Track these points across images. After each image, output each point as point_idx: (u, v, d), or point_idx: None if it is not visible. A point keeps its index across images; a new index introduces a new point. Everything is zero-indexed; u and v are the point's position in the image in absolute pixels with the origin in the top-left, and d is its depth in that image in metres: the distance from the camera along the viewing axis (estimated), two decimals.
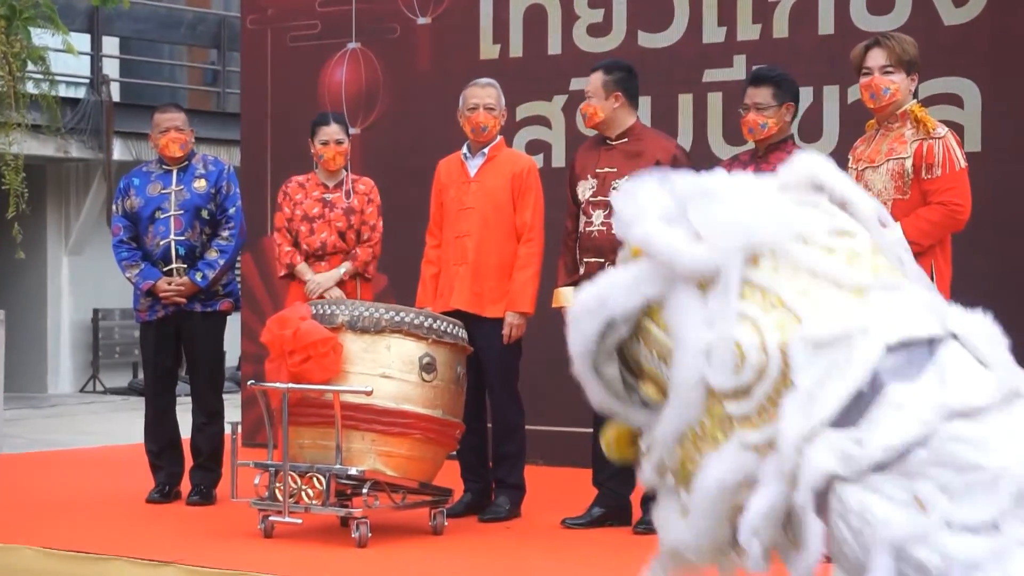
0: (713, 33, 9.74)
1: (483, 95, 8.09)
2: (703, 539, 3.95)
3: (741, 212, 3.94)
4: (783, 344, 3.73)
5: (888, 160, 6.74)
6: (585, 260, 7.72)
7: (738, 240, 3.89)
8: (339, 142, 8.39)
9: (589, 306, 4.11)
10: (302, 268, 8.30)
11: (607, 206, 7.62)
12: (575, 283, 7.76)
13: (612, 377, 4.16)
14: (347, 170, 8.55)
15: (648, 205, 4.06)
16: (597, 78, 7.74)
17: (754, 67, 8.91)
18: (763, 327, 3.77)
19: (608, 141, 7.72)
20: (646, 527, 7.54)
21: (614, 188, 7.56)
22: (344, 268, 8.27)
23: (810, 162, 4.24)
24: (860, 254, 3.97)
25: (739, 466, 3.79)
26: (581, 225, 7.77)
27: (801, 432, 3.60)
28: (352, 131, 9.69)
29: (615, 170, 7.55)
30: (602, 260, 7.61)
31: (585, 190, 7.73)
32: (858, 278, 3.88)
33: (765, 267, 3.88)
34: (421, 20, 10.58)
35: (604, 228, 7.59)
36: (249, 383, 8.20)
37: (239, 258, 9.02)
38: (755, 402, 3.81)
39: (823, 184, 4.13)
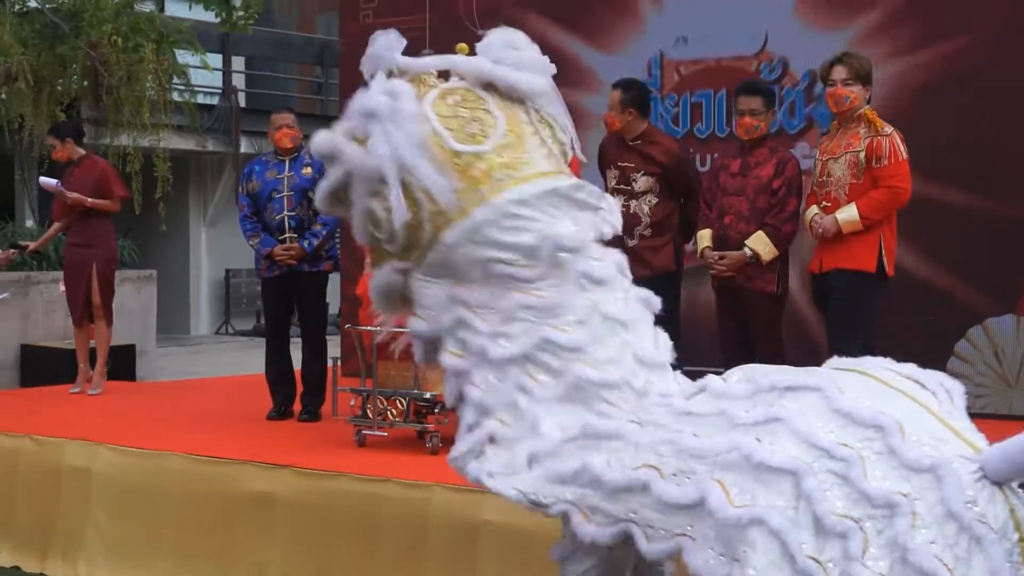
0: None
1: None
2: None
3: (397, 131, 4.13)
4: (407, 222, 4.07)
5: (846, 152, 6.74)
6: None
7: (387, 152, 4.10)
8: None
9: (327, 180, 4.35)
10: None
11: (627, 194, 7.64)
12: None
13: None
14: None
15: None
16: (616, 95, 7.72)
17: (744, 80, 8.93)
18: (395, 208, 4.06)
19: (627, 141, 7.71)
20: None
21: (633, 180, 7.59)
22: None
23: (478, 62, 4.47)
24: (484, 157, 4.15)
25: (389, 278, 4.27)
26: None
27: None
28: None
29: (633, 165, 7.55)
30: (621, 234, 7.60)
31: (610, 179, 7.72)
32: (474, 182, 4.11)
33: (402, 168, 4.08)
34: (481, 32, 10.57)
35: (624, 210, 7.56)
36: (347, 327, 8.23)
37: (337, 229, 9.04)
38: (396, 247, 4.19)
39: (492, 77, 4.40)
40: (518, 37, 4.59)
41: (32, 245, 11.75)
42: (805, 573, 3.35)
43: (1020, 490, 3.47)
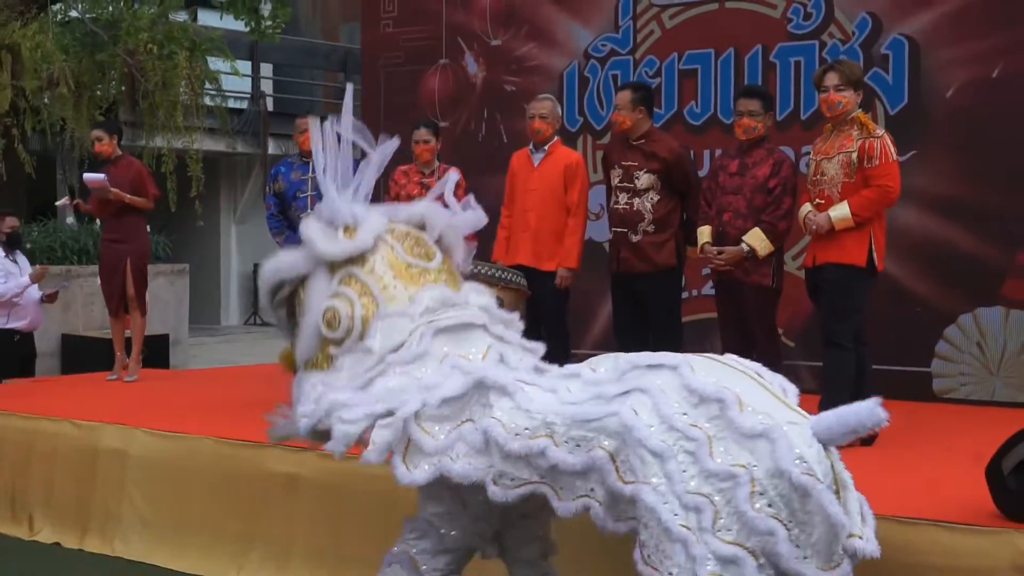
0: None
1: (539, 107, 8.09)
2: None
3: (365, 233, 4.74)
4: (364, 317, 4.60)
5: (839, 153, 6.72)
6: (613, 229, 7.72)
7: (349, 248, 4.71)
8: (427, 141, 8.43)
9: (269, 270, 4.95)
10: None
11: (630, 191, 7.64)
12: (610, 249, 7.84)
13: (281, 316, 5.01)
14: (439, 159, 8.57)
15: (315, 218, 4.89)
16: (626, 95, 7.70)
17: (746, 83, 8.86)
18: (355, 304, 4.62)
19: (630, 141, 7.70)
20: None
21: (636, 177, 7.58)
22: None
23: (425, 208, 5.04)
24: (430, 271, 4.81)
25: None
26: (610, 204, 7.78)
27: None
28: (442, 124, 9.71)
29: (636, 163, 7.53)
30: (624, 230, 7.62)
31: (614, 178, 7.72)
32: (421, 283, 4.73)
33: (366, 267, 4.70)
34: (494, 42, 10.56)
35: (627, 207, 7.60)
36: None
37: None
38: (342, 350, 4.64)
39: (431, 224, 4.98)
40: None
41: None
42: (681, 540, 3.70)
43: (836, 450, 3.91)
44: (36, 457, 7.92)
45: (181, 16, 19.75)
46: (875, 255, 6.69)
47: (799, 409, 3.98)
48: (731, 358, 4.25)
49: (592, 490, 4.03)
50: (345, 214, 4.84)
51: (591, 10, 9.90)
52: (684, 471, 3.78)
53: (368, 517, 6.43)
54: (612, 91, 9.40)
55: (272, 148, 23.34)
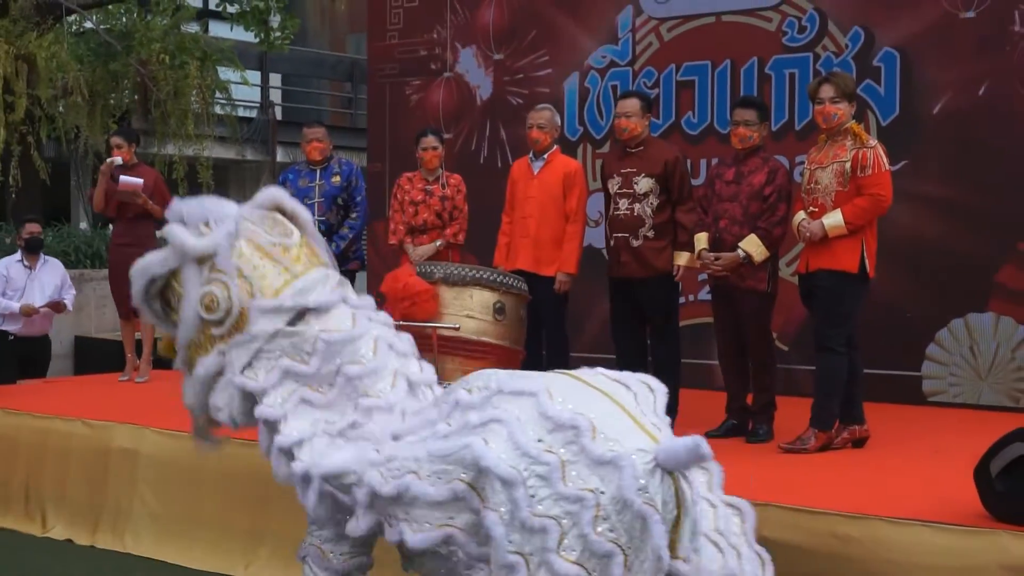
0: None
1: (537, 117, 8.08)
2: (196, 403, 5.13)
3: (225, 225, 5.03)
4: (242, 298, 4.86)
5: (833, 163, 6.72)
6: (613, 235, 7.71)
7: (214, 240, 4.97)
8: (434, 148, 8.45)
9: (139, 269, 5.20)
10: (408, 247, 8.37)
11: (630, 197, 7.63)
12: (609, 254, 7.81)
13: (156, 308, 5.23)
14: (442, 168, 8.57)
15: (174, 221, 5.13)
16: (635, 103, 7.63)
17: (742, 95, 8.84)
18: (231, 286, 4.89)
19: (628, 149, 7.69)
20: None
21: (635, 183, 7.57)
22: (437, 243, 8.34)
23: (273, 192, 5.23)
24: (291, 248, 5.05)
25: (215, 363, 4.94)
26: (610, 211, 7.76)
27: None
28: (446, 136, 9.72)
29: (634, 169, 7.52)
30: (626, 235, 7.60)
31: (612, 186, 7.69)
32: (288, 264, 5.00)
33: (234, 253, 4.94)
34: (496, 56, 10.55)
35: (628, 212, 7.58)
36: None
37: (364, 231, 9.06)
38: (224, 328, 4.90)
39: (282, 204, 5.17)
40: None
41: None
42: (508, 565, 3.91)
43: (687, 473, 4.06)
44: (49, 456, 7.92)
45: (193, 28, 19.81)
46: (867, 262, 6.68)
47: (654, 429, 4.10)
48: (600, 376, 4.41)
49: (452, 519, 4.20)
50: (197, 212, 5.15)
51: (591, 23, 9.90)
52: (533, 496, 3.93)
53: None
54: (612, 101, 9.39)
55: (280, 156, 23.35)
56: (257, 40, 19.23)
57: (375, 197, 10.42)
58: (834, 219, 6.66)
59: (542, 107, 8.29)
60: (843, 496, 5.42)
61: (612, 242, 7.71)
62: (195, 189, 17.82)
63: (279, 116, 24.80)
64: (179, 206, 5.20)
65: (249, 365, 4.90)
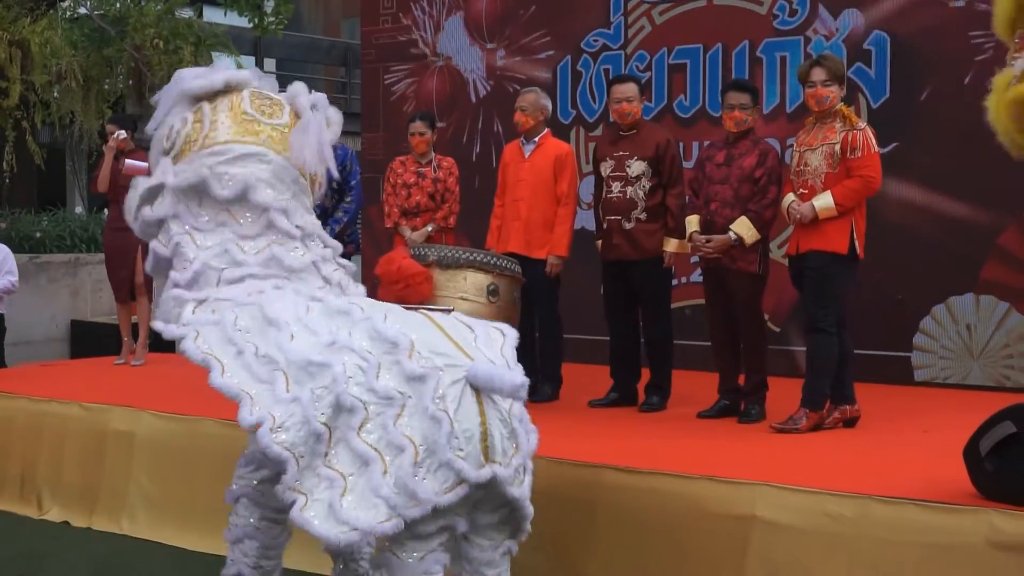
0: None
1: (521, 100, 8.07)
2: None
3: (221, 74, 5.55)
4: (187, 136, 5.40)
5: (823, 144, 6.72)
6: (606, 218, 7.70)
7: (205, 84, 5.51)
8: (422, 133, 8.44)
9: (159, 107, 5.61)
10: (402, 229, 8.35)
11: (623, 180, 7.62)
12: (602, 237, 7.79)
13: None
14: (434, 151, 8.55)
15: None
16: (634, 87, 7.63)
17: (734, 78, 8.84)
18: (186, 124, 5.44)
19: (621, 132, 7.68)
20: (648, 407, 7.59)
21: (628, 166, 7.56)
22: (429, 227, 8.33)
23: (297, 87, 5.80)
24: (261, 125, 5.50)
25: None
26: (603, 193, 7.75)
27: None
28: (440, 124, 9.70)
29: (627, 152, 7.51)
30: (618, 218, 7.60)
31: (605, 169, 7.69)
32: (249, 131, 5.46)
33: (212, 105, 5.48)
34: (489, 45, 10.53)
35: (621, 195, 7.57)
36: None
37: (359, 216, 9.04)
38: (169, 157, 5.43)
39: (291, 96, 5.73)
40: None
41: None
42: (316, 432, 4.55)
43: (497, 398, 4.60)
44: (46, 439, 7.92)
45: (187, 13, 19.76)
46: (856, 243, 6.69)
47: (490, 359, 4.71)
48: (450, 318, 5.08)
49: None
50: (221, 68, 5.72)
51: (584, 7, 9.88)
52: (349, 379, 4.61)
53: None
54: (604, 85, 9.38)
55: None
56: (251, 25, 19.20)
57: (369, 181, 10.41)
58: (824, 201, 6.66)
59: (528, 90, 8.27)
60: (834, 475, 5.42)
61: (605, 225, 7.70)
62: None
63: None
64: (209, 70, 5.68)
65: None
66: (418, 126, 8.47)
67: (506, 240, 7.99)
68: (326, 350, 4.77)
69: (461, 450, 4.48)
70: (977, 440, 5.19)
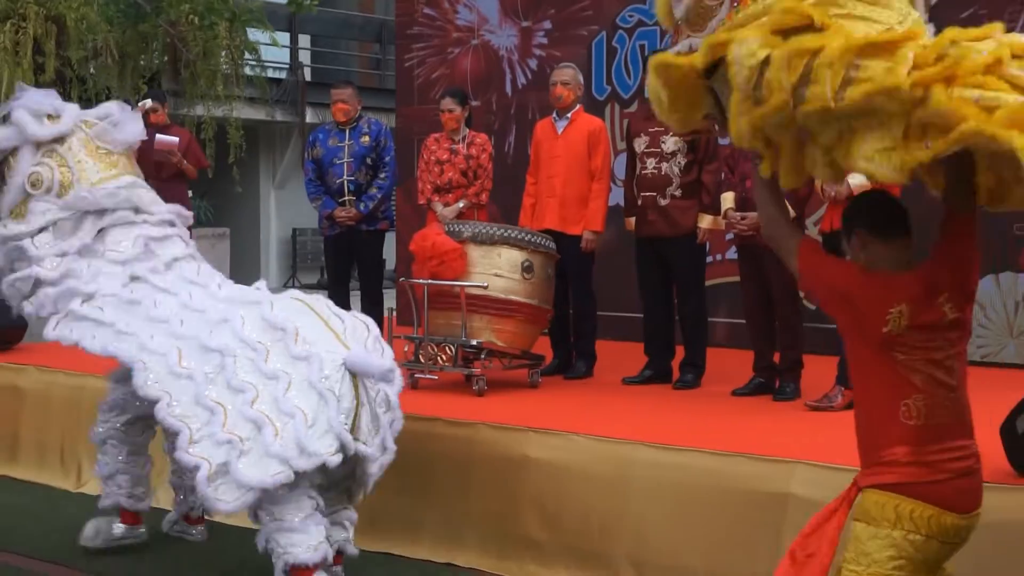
0: None
1: (561, 75, 8.06)
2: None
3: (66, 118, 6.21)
4: (62, 181, 6.09)
5: None
6: (641, 195, 7.68)
7: (54, 130, 6.14)
8: (451, 110, 8.35)
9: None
10: (436, 205, 8.33)
11: (657, 156, 7.60)
12: (635, 214, 7.77)
13: None
14: (468, 126, 8.52)
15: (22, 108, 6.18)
16: None
17: None
18: (55, 171, 6.09)
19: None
20: (682, 384, 7.57)
21: (663, 142, 7.54)
22: (460, 204, 8.28)
23: (110, 106, 6.59)
24: (115, 155, 6.34)
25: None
26: (637, 170, 7.73)
27: None
28: (474, 102, 9.69)
29: (662, 129, 7.48)
30: (653, 194, 7.58)
31: (639, 146, 7.67)
32: (107, 162, 6.28)
33: (64, 146, 6.15)
34: (524, 23, 10.51)
35: (656, 171, 7.56)
36: (401, 280, 8.24)
37: (393, 192, 9.05)
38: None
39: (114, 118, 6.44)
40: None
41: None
42: (208, 407, 5.26)
43: (369, 383, 5.39)
44: (83, 412, 7.95)
45: None
46: None
47: (352, 343, 5.47)
48: (321, 304, 5.75)
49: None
50: (47, 105, 6.23)
51: None
52: (238, 366, 5.33)
53: (403, 472, 6.45)
54: (640, 61, 9.34)
55: (310, 117, 23.30)
56: (286, 1, 19.19)
57: (405, 157, 10.41)
58: (860, 179, 6.60)
59: (565, 65, 8.28)
60: None
61: (640, 201, 7.69)
62: (224, 149, 17.86)
63: (308, 77, 24.73)
64: (35, 98, 6.30)
65: (43, 230, 6.10)
66: (448, 103, 8.42)
67: (541, 217, 7.99)
68: (217, 329, 5.54)
69: (345, 423, 5.21)
70: (1014, 418, 5.19)
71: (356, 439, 5.24)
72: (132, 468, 6.38)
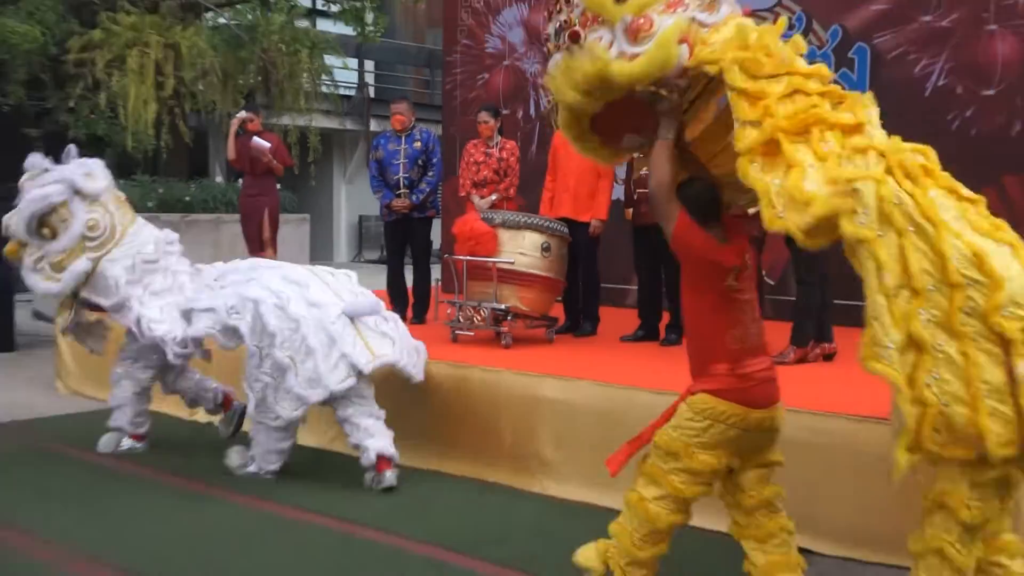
0: None
1: None
2: (65, 289, 6.38)
3: (102, 180, 6.50)
4: (111, 224, 6.36)
5: None
6: (638, 191, 7.68)
7: (101, 186, 6.40)
8: (486, 121, 8.35)
9: (39, 196, 6.20)
10: (473, 197, 8.36)
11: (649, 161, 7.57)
12: (632, 207, 7.78)
13: (33, 227, 6.27)
14: (500, 134, 8.52)
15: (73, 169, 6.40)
16: None
17: None
18: (106, 215, 6.34)
19: None
20: (668, 342, 7.59)
21: None
22: (493, 196, 8.27)
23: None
24: (127, 206, 6.69)
25: (86, 265, 6.30)
26: (634, 172, 7.73)
27: None
28: (504, 111, 9.68)
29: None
30: (646, 190, 7.55)
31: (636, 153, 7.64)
32: (128, 212, 6.66)
33: (103, 198, 6.38)
34: (545, 47, 10.46)
35: (648, 173, 7.51)
36: (445, 256, 8.27)
37: (439, 186, 9.06)
38: (97, 243, 6.29)
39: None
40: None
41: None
42: (251, 353, 5.85)
43: (368, 319, 5.95)
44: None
45: (304, 23, 19.74)
46: None
47: (348, 295, 6.04)
48: (319, 268, 6.30)
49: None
50: (86, 165, 6.40)
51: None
52: (270, 313, 5.76)
53: (443, 408, 6.46)
54: None
55: (373, 126, 23.36)
56: (355, 33, 19.16)
57: (449, 158, 10.43)
58: None
59: None
60: (816, 399, 5.41)
61: (636, 196, 7.70)
62: (305, 152, 17.90)
63: (372, 95, 24.77)
64: (83, 163, 6.42)
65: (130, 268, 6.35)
66: (483, 116, 8.43)
67: (558, 207, 8.00)
68: (247, 287, 6.00)
69: (351, 353, 5.72)
70: None
71: (376, 357, 5.81)
72: (136, 403, 6.69)
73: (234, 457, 6.18)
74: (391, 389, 6.27)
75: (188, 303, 6.23)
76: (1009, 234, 3.54)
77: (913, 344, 3.39)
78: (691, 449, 4.00)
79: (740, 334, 4.02)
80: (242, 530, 5.28)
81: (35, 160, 6.37)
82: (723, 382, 3.99)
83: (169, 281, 6.44)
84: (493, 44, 10.97)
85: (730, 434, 3.99)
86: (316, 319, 5.74)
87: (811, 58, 8.45)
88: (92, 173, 6.36)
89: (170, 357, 6.23)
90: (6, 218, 6.31)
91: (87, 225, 6.21)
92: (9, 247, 6.41)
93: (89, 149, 17.24)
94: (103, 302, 6.35)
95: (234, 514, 5.55)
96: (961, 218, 3.51)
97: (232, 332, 5.95)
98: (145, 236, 6.50)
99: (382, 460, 5.81)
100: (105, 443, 6.73)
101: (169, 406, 7.69)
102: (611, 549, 4.19)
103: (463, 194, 8.55)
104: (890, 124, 8.10)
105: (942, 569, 3.60)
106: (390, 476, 5.80)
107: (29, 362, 10.21)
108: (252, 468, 6.07)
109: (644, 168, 7.60)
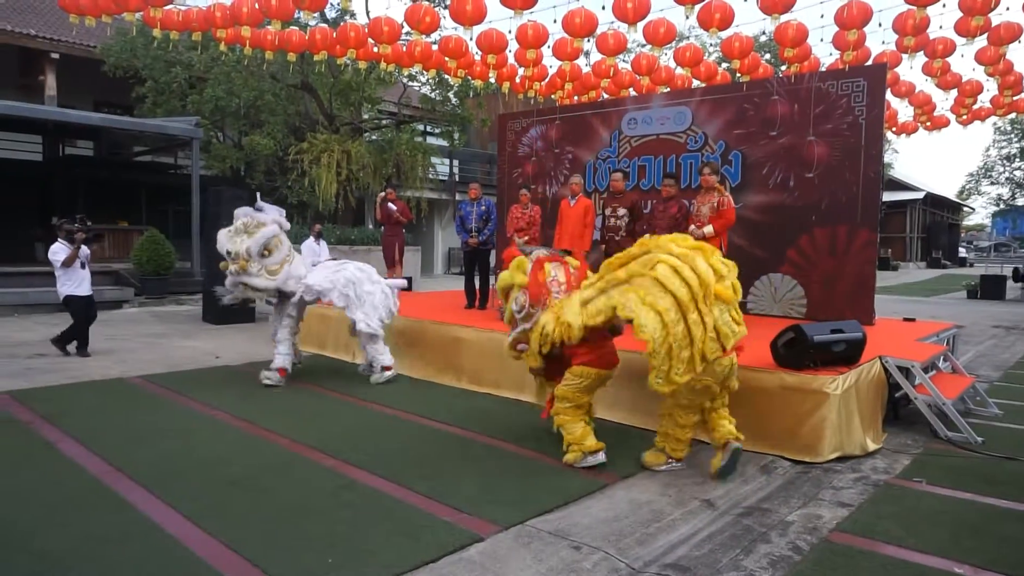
0: None
1: (573, 179, 7.87)
2: (270, 288, 6.47)
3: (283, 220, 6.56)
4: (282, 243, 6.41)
5: (708, 202, 6.61)
6: (607, 235, 7.54)
7: (286, 226, 6.43)
8: (524, 194, 8.31)
9: (268, 231, 6.19)
10: (515, 238, 8.28)
11: (614, 217, 7.47)
12: (604, 243, 7.65)
13: (256, 252, 6.26)
14: (532, 203, 8.47)
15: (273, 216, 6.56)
16: (620, 175, 7.47)
17: (666, 171, 8.62)
18: (284, 238, 6.40)
19: (615, 195, 7.52)
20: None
21: (617, 211, 7.41)
22: (526, 238, 8.20)
23: (242, 212, 6.40)
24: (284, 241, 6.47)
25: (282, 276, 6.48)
26: (605, 223, 7.64)
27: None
28: (532, 187, 9.59)
29: (617, 204, 7.33)
30: (613, 234, 7.49)
31: (607, 211, 7.52)
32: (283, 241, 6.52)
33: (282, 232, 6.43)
34: (556, 150, 10.38)
35: (614, 225, 7.46)
36: (495, 271, 8.23)
37: (495, 232, 9.04)
38: (278, 261, 6.34)
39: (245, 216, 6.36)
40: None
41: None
42: (350, 304, 6.48)
43: (395, 292, 6.56)
44: (333, 323, 7.92)
45: (419, 138, 19.84)
46: (723, 249, 6.56)
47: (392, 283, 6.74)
48: (367, 267, 6.62)
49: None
50: (274, 210, 6.37)
51: (598, 141, 9.72)
52: (353, 285, 6.34)
53: (480, 356, 6.35)
54: (608, 173, 9.26)
55: (458, 197, 23.40)
56: (448, 143, 19.24)
57: (501, 216, 10.38)
58: (709, 229, 6.56)
59: (576, 175, 8.21)
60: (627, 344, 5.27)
61: (607, 238, 7.65)
62: (419, 212, 17.97)
63: (457, 179, 24.80)
64: (273, 212, 6.33)
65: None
66: (522, 192, 8.40)
67: (560, 242, 7.95)
68: (335, 274, 6.38)
69: (392, 311, 6.54)
70: (776, 340, 5.13)
71: (392, 315, 6.54)
72: (286, 348, 6.44)
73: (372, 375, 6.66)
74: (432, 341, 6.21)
75: (318, 281, 6.50)
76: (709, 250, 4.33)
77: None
78: (576, 394, 4.55)
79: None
80: (376, 425, 5.29)
81: (243, 208, 6.40)
82: (591, 357, 4.55)
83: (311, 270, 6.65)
84: (523, 150, 10.93)
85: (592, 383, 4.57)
86: (380, 289, 6.53)
87: (708, 159, 8.41)
88: (283, 215, 6.46)
89: (307, 298, 6.41)
90: (238, 243, 6.10)
91: (289, 247, 6.41)
92: (240, 264, 6.11)
93: (297, 209, 17.42)
94: (292, 285, 6.37)
95: (368, 413, 5.57)
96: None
97: (335, 293, 6.46)
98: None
99: (385, 369, 6.63)
100: (265, 376, 6.46)
101: (330, 350, 7.72)
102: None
103: (509, 235, 8.54)
104: (751, 194, 7.96)
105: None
106: (389, 375, 6.61)
107: (262, 328, 10.32)
108: (376, 375, 6.60)
109: (612, 220, 7.55)
